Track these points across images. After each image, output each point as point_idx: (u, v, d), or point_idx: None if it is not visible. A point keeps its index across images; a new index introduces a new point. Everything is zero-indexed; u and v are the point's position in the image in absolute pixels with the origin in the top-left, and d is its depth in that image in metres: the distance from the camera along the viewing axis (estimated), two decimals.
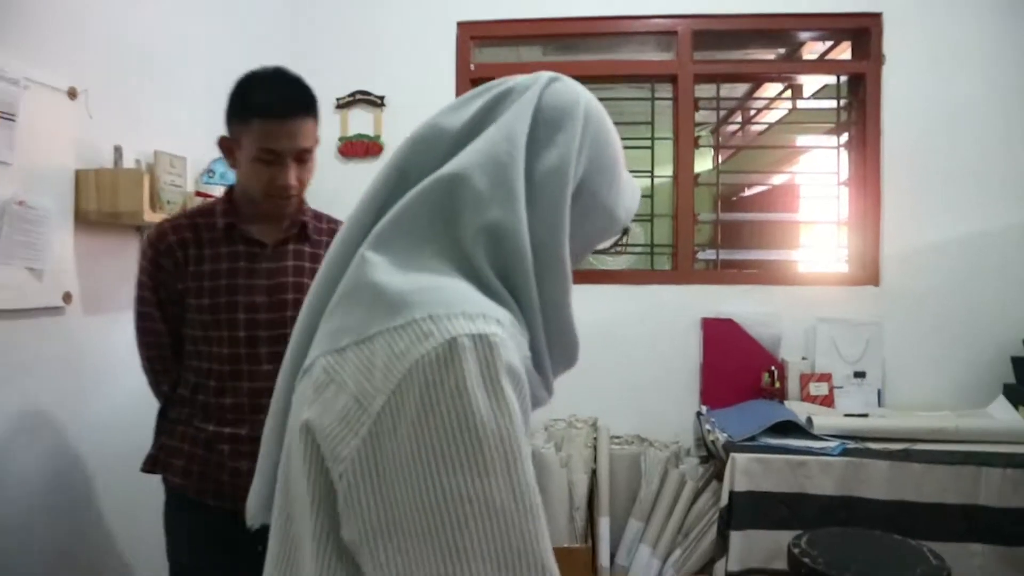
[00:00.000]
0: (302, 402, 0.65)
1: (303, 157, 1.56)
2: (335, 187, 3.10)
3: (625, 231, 0.83)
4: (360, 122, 3.14)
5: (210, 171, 2.74)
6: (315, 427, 0.61)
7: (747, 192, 4.98)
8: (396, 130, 3.10)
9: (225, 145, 1.60)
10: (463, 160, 0.68)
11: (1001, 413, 2.64)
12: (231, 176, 2.86)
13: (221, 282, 1.60)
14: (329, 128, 3.14)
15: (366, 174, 2.82)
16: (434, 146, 0.72)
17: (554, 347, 0.72)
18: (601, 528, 2.55)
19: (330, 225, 1.74)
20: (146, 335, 1.68)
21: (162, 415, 1.68)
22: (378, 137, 3.12)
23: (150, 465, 1.66)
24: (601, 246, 0.83)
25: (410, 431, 0.57)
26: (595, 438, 2.70)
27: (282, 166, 1.53)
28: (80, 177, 1.92)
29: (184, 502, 1.66)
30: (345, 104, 3.14)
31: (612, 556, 2.58)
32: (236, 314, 1.59)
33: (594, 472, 2.64)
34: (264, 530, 1.26)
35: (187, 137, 2.28)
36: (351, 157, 3.14)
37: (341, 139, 3.14)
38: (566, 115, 0.72)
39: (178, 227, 1.64)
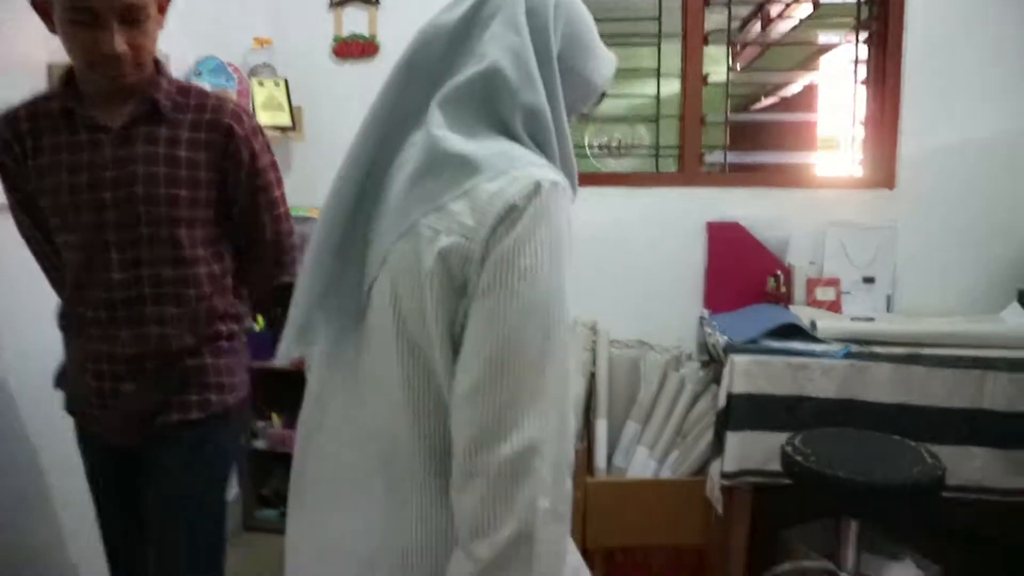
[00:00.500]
0: (416, 250, 0.80)
1: (131, 16, 1.28)
2: (331, 89, 3.05)
3: (602, 95, 1.00)
4: (354, 21, 3.01)
5: (197, 71, 2.65)
6: (447, 259, 0.78)
7: (765, 101, 4.81)
8: (392, 29, 2.97)
9: (39, 7, 1.32)
10: (493, 55, 0.84)
11: (1014, 319, 2.56)
12: (222, 74, 2.79)
13: (62, 177, 1.37)
14: (323, 29, 3.03)
15: (362, 75, 2.74)
16: (434, 42, 0.89)
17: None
18: (598, 430, 2.55)
19: (200, 100, 1.46)
20: (29, 243, 1.52)
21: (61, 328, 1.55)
22: (373, 37, 3.00)
23: (57, 382, 1.55)
24: (584, 109, 1.00)
25: (507, 244, 0.77)
26: (594, 341, 2.67)
27: (103, 28, 1.26)
28: (53, 71, 1.85)
29: (76, 426, 1.56)
30: (339, 3, 3.01)
31: (609, 457, 2.59)
32: (81, 215, 1.37)
33: (592, 375, 2.63)
34: (136, 456, 1.55)
35: (169, 31, 2.18)
36: (346, 58, 3.03)
37: (336, 39, 3.02)
38: (542, 3, 0.88)
39: (14, 119, 1.40)
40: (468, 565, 0.76)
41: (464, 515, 0.77)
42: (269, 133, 2.84)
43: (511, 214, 0.77)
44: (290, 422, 2.96)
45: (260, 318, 2.91)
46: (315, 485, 0.94)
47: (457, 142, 0.82)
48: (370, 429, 0.87)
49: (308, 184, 3.04)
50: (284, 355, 0.92)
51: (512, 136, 0.85)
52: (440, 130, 0.83)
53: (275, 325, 2.91)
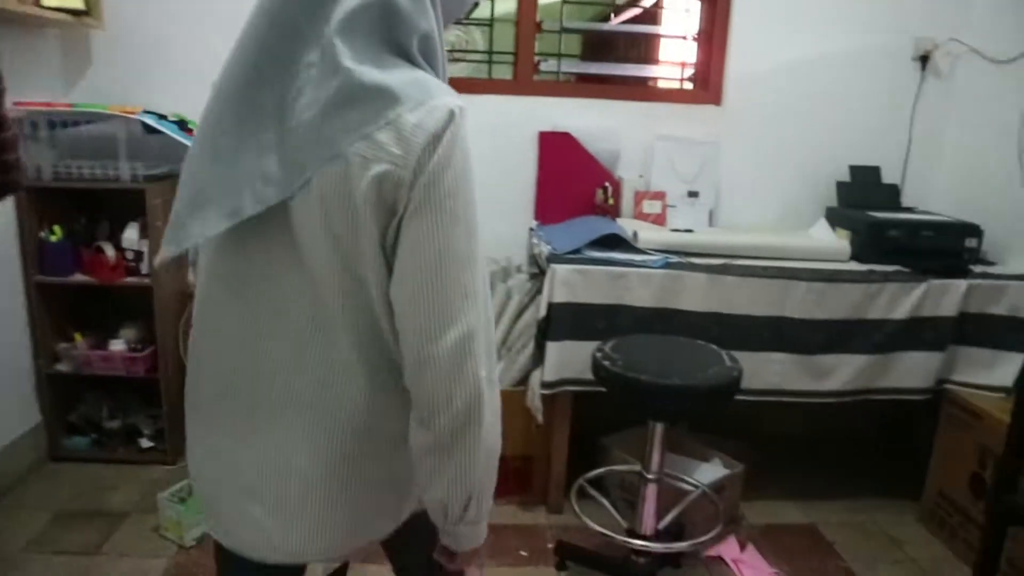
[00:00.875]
0: (344, 176, 0.88)
1: None
2: None
3: (475, 4, 1.08)
4: None
5: None
6: (381, 184, 0.87)
7: (616, 19, 4.77)
8: None
9: None
10: None
11: (820, 234, 2.71)
12: None
13: None
14: None
15: None
16: None
17: None
18: None
19: None
20: None
21: None
22: None
23: None
24: (460, 16, 1.09)
25: (430, 168, 0.87)
26: None
27: None
28: None
29: None
30: None
31: None
32: None
33: None
34: None
35: None
36: None
37: None
38: None
39: None
40: (428, 436, 0.94)
41: (421, 396, 0.93)
42: (57, 17, 2.52)
43: (433, 142, 0.87)
44: (96, 343, 2.73)
45: (57, 228, 2.62)
46: (236, 392, 1.01)
47: (371, 73, 0.88)
48: (305, 325, 0.97)
49: (110, 80, 2.74)
50: (159, 261, 1.01)
51: (410, 59, 0.93)
52: (349, 62, 0.88)
53: (74, 236, 2.64)
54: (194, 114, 2.71)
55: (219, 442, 1.04)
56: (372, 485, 1.03)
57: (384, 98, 0.87)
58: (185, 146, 2.51)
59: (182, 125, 2.59)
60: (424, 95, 0.88)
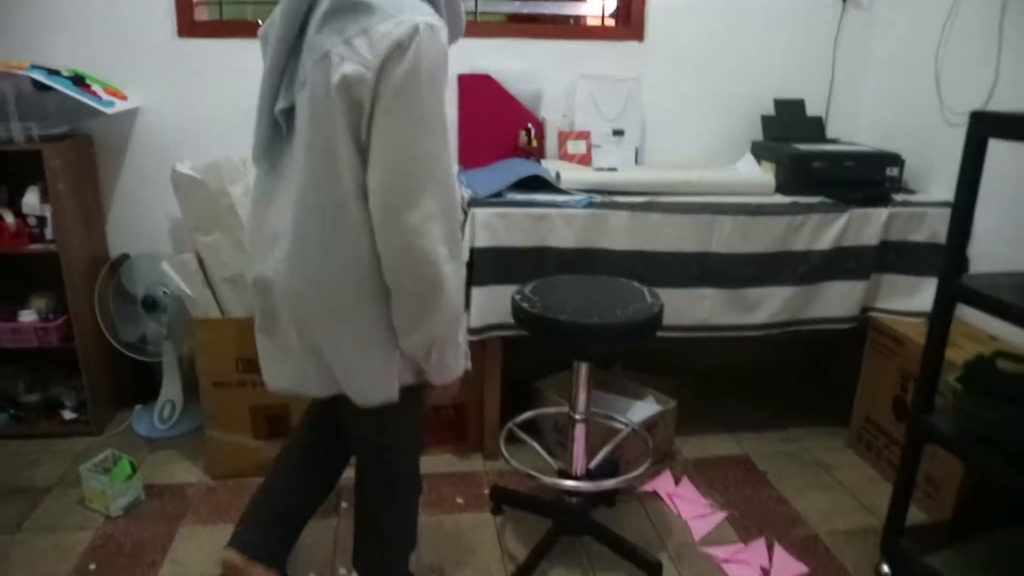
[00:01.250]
0: (327, 72, 1.10)
1: None
2: None
3: None
4: None
5: None
6: (348, 80, 1.08)
7: None
8: None
9: None
10: None
11: (746, 168, 2.69)
12: None
13: None
14: None
15: None
16: None
17: (452, 29, 1.23)
18: None
19: None
20: None
21: None
22: None
23: None
24: None
25: (398, 75, 1.07)
26: None
27: None
28: None
29: None
30: None
31: None
32: None
33: None
34: None
35: None
36: None
37: None
38: None
39: None
40: (401, 298, 1.18)
41: (390, 266, 1.15)
42: None
43: (398, 50, 1.05)
44: (4, 315, 2.59)
45: None
46: (276, 228, 1.26)
47: None
48: (318, 190, 1.17)
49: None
50: (256, 160, 1.32)
51: None
52: None
53: None
54: (89, 68, 2.56)
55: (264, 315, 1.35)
56: (351, 345, 1.25)
57: (363, 10, 1.08)
58: (85, 104, 2.36)
59: (78, 81, 2.43)
60: (397, 11, 1.07)
